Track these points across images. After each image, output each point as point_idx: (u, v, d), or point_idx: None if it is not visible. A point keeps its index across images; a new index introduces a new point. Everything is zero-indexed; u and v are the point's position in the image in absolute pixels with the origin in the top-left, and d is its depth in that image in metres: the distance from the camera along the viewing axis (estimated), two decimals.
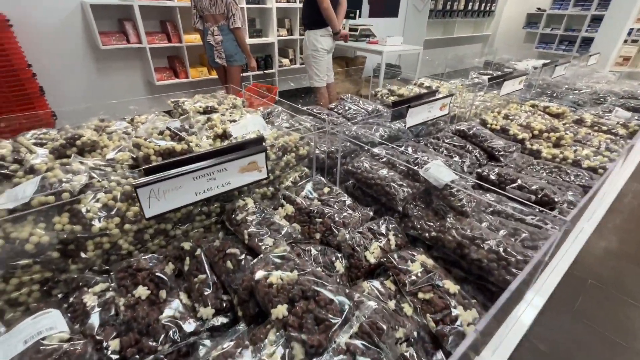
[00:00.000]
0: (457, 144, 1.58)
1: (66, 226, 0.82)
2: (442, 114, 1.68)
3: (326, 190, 1.14)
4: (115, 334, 0.70)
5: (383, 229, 1.01)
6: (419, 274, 0.83)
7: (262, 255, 0.83)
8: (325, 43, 3.67)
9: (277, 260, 0.79)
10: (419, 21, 7.28)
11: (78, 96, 3.89)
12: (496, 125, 1.82)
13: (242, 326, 0.72)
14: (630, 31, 6.03)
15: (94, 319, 0.72)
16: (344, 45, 5.50)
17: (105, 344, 0.68)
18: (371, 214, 1.09)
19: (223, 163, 0.92)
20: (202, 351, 0.70)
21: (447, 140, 1.62)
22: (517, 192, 1.22)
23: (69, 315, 0.73)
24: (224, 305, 0.80)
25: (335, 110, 2.15)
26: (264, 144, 1.04)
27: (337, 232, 0.97)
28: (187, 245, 0.92)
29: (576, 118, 2.02)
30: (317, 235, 0.98)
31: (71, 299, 0.77)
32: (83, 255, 0.86)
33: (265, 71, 5.29)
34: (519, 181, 1.24)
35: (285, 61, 5.51)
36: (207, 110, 1.41)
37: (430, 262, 0.88)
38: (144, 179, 0.80)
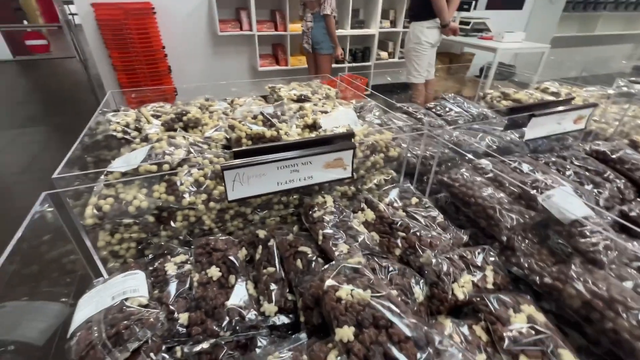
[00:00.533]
0: (591, 168, 1.25)
1: (162, 195, 0.89)
2: (576, 128, 1.34)
3: (414, 200, 1.01)
4: (186, 308, 0.73)
5: (479, 261, 0.83)
6: (524, 331, 0.65)
7: (334, 262, 0.76)
8: (430, 36, 3.37)
9: (350, 272, 0.71)
10: (549, 15, 6.18)
11: (196, 76, 4.43)
12: None
13: (303, 335, 0.67)
14: None
15: (172, 288, 0.76)
16: (451, 40, 5.02)
17: (176, 315, 0.70)
18: (465, 238, 0.92)
19: (309, 156, 0.87)
20: (259, 349, 0.67)
21: (577, 162, 1.28)
22: None
23: (152, 279, 0.78)
24: (288, 305, 0.76)
25: (434, 110, 1.94)
26: (353, 140, 0.96)
27: (421, 253, 0.84)
28: (261, 234, 0.91)
29: None
30: (397, 252, 0.87)
31: (156, 264, 0.82)
32: (172, 224, 0.92)
33: (362, 63, 5.19)
34: None
35: (384, 54, 5.31)
36: (301, 99, 1.40)
37: (541, 318, 0.69)
38: (231, 162, 0.80)
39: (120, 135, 1.19)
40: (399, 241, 0.87)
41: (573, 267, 0.78)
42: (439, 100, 2.08)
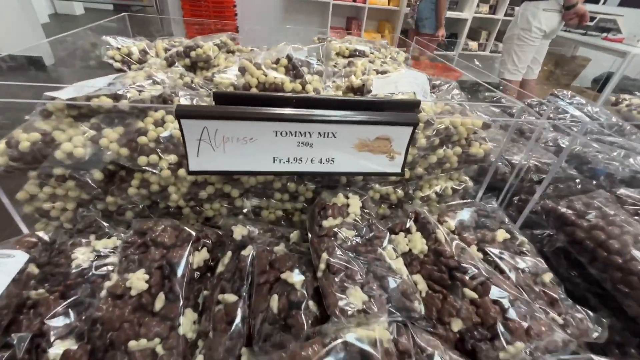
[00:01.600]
0: None
1: (112, 145, 0.60)
2: None
3: (500, 235, 0.58)
4: (67, 333, 0.43)
5: None
6: None
7: (329, 325, 0.40)
8: (545, 21, 2.63)
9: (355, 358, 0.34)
10: None
11: (263, 40, 4.22)
12: None
13: None
14: None
15: (66, 293, 0.47)
16: (565, 35, 4.08)
17: (44, 344, 0.41)
18: (598, 331, 0.48)
19: (332, 123, 0.50)
20: None
21: None
22: None
23: (48, 267, 0.50)
24: None
25: (537, 109, 1.41)
26: (419, 115, 0.56)
27: (503, 343, 0.43)
28: (238, 232, 0.58)
29: None
30: (457, 325, 0.47)
31: (65, 246, 0.54)
32: (125, 188, 0.63)
33: (445, 52, 4.53)
34: None
35: (473, 44, 4.55)
36: (354, 54, 1.01)
37: None
38: (195, 107, 0.47)
39: (118, 65, 0.94)
40: (463, 306, 0.47)
41: None
42: (548, 97, 1.53)
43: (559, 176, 0.82)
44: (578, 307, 0.50)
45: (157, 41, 1.06)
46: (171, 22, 3.42)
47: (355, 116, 0.51)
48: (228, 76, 0.79)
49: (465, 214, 0.62)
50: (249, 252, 0.54)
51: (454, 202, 0.71)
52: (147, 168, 0.62)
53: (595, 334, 0.48)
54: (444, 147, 0.69)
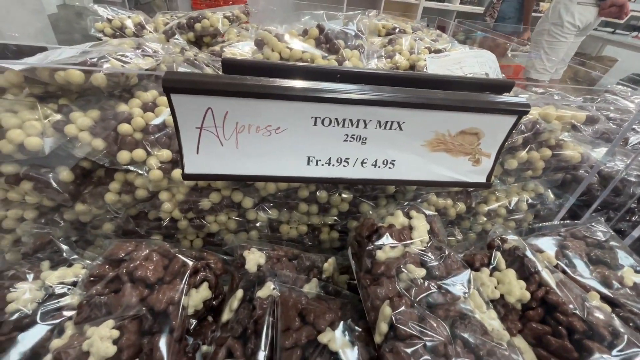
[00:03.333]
0: None
1: (83, 134, 0.43)
2: None
3: (629, 276, 0.40)
4: None
5: None
6: None
7: None
8: (579, 16, 2.40)
9: None
10: None
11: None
12: None
13: None
14: None
15: None
16: (592, 33, 3.83)
17: None
18: None
19: (397, 106, 0.33)
20: None
21: None
22: None
23: None
24: None
25: (583, 106, 1.21)
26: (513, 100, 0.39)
27: None
28: (251, 262, 0.41)
29: None
30: None
31: (9, 274, 0.37)
32: (102, 194, 0.47)
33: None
34: None
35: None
36: (392, 32, 0.83)
37: None
38: (194, 75, 0.30)
39: (108, 39, 0.77)
40: None
41: None
42: (601, 94, 1.34)
43: None
44: None
45: (157, 15, 0.89)
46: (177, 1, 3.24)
47: (437, 98, 0.33)
48: (241, 51, 0.62)
49: (568, 242, 0.45)
50: (267, 292, 0.37)
51: (545, 224, 0.53)
52: (130, 167, 0.45)
53: None
54: (531, 148, 0.51)
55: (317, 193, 0.52)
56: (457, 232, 0.61)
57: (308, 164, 0.37)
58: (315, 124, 0.34)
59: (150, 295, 0.35)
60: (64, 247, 0.42)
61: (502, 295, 0.38)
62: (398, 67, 0.63)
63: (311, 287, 0.39)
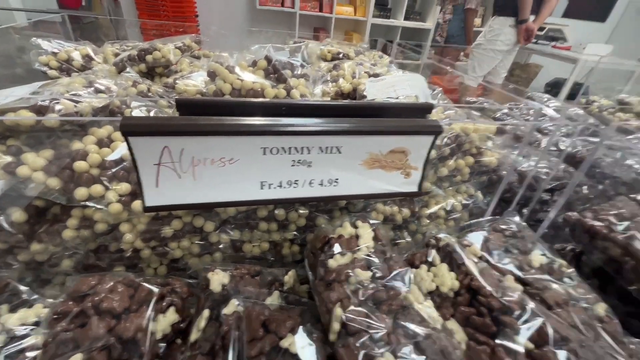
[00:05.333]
0: None
1: (37, 175, 0.44)
2: None
3: (536, 259, 0.49)
4: None
5: None
6: None
7: None
8: (504, 37, 2.78)
9: None
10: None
11: (231, 44, 4.07)
12: None
13: None
14: None
15: None
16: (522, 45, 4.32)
17: None
18: None
19: (335, 134, 0.39)
20: None
21: None
22: None
23: None
24: None
25: (509, 113, 1.39)
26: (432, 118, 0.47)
27: None
28: (215, 283, 0.44)
29: None
30: None
31: None
32: (59, 231, 0.47)
33: (411, 61, 4.62)
34: None
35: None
36: (337, 57, 0.91)
37: None
38: (149, 119, 0.34)
39: (54, 73, 0.76)
40: None
41: None
42: (525, 100, 1.53)
43: (564, 182, 0.76)
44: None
45: (105, 45, 0.89)
46: (126, 29, 3.15)
47: (367, 125, 0.40)
48: (194, 82, 0.66)
49: (490, 236, 0.53)
50: (232, 309, 0.40)
51: (473, 221, 0.62)
52: (88, 203, 0.47)
53: None
54: (456, 156, 0.60)
55: (275, 212, 0.56)
56: (406, 235, 0.68)
57: (262, 188, 0.41)
58: (264, 154, 0.38)
59: (117, 325, 0.36)
60: (23, 288, 0.42)
61: (437, 287, 0.45)
62: (342, 90, 0.70)
63: (273, 299, 0.43)
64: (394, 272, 0.42)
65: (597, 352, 0.37)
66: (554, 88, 4.84)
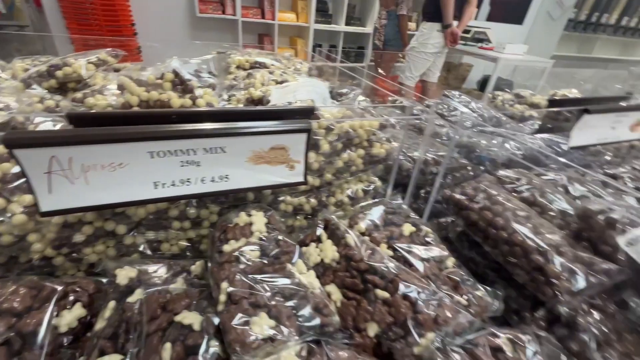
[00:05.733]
0: None
1: None
2: (633, 137, 0.97)
3: (407, 229, 0.60)
4: None
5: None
6: None
7: None
8: (434, 41, 3.06)
9: None
10: (550, 32, 6.03)
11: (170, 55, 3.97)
12: None
13: None
14: None
15: None
16: (454, 47, 4.73)
17: None
18: (495, 305, 0.52)
19: (216, 136, 0.46)
20: None
21: (633, 184, 0.92)
22: None
23: None
24: None
25: (435, 109, 1.56)
26: (317, 122, 0.56)
27: (416, 338, 0.43)
28: (122, 277, 0.48)
29: None
30: (372, 330, 0.45)
31: None
32: None
33: (355, 64, 4.84)
34: None
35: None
36: (255, 66, 0.99)
37: None
38: (23, 133, 0.38)
39: None
40: (377, 309, 0.46)
41: None
42: (442, 97, 1.72)
43: (454, 166, 0.90)
44: (478, 285, 0.54)
45: (14, 61, 0.88)
46: (55, 43, 2.99)
47: (244, 127, 0.47)
48: (105, 96, 0.69)
49: (375, 214, 0.63)
50: (137, 297, 0.45)
51: (364, 204, 0.72)
52: None
53: (494, 307, 0.51)
54: (348, 150, 0.70)
55: (187, 210, 0.62)
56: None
57: (156, 187, 0.47)
58: (152, 157, 0.44)
59: (18, 322, 0.40)
60: None
61: (322, 260, 0.53)
62: (252, 97, 0.78)
63: (177, 285, 0.49)
64: (281, 249, 0.50)
65: (436, 294, 0.48)
66: (483, 84, 5.32)
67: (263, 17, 3.96)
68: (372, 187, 0.79)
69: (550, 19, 6.00)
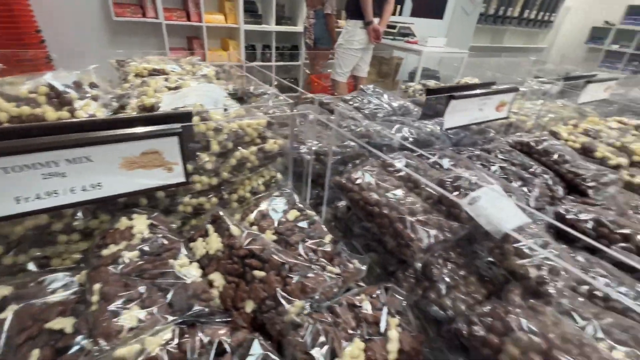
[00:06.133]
0: (517, 162, 1.05)
1: None
2: (499, 116, 1.15)
3: (292, 214, 0.67)
4: None
5: (381, 312, 0.52)
6: None
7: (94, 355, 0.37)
8: (358, 37, 3.22)
9: None
10: (466, 25, 6.63)
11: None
12: (575, 142, 1.26)
13: None
14: None
15: None
16: (380, 43, 5.01)
17: None
18: (364, 270, 0.60)
19: (78, 147, 0.48)
20: None
21: (502, 156, 1.09)
22: (637, 257, 0.68)
23: None
24: None
25: (351, 102, 1.67)
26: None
27: (285, 307, 0.49)
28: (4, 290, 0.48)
29: None
30: (249, 307, 0.51)
31: None
32: None
33: (291, 62, 4.90)
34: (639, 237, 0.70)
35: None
36: (153, 73, 0.99)
37: None
38: None
39: None
40: (253, 288, 0.52)
41: (512, 313, 0.50)
42: (359, 91, 1.84)
43: (352, 154, 0.99)
44: (350, 257, 0.62)
45: None
46: None
47: (106, 136, 0.49)
48: None
49: (265, 205, 0.69)
50: (6, 314, 0.46)
51: (258, 196, 0.77)
52: None
53: (363, 271, 0.60)
54: (240, 149, 0.74)
55: (73, 223, 0.62)
56: None
57: (18, 202, 0.47)
58: (7, 172, 0.45)
59: None
60: None
61: (207, 252, 0.57)
62: (145, 105, 0.78)
63: (56, 297, 0.50)
64: (165, 247, 0.53)
65: (306, 268, 0.55)
66: (413, 76, 5.70)
67: (189, 20, 3.83)
68: (274, 181, 0.85)
69: (464, 13, 6.59)
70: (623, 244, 0.71)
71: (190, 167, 0.67)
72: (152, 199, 0.68)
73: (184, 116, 0.60)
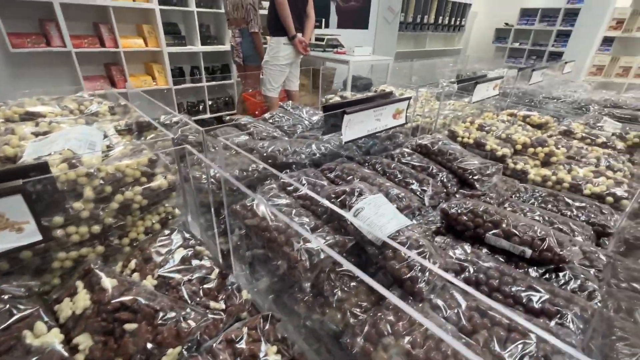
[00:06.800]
0: (417, 164, 1.14)
1: None
2: (398, 123, 1.24)
3: (178, 254, 0.64)
4: None
5: (260, 342, 0.52)
6: None
7: None
8: (287, 52, 3.27)
9: None
10: (389, 33, 7.12)
11: None
12: (468, 138, 1.40)
13: None
14: (604, 40, 5.86)
15: None
16: (311, 55, 5.16)
17: None
18: (249, 300, 0.60)
19: None
20: None
21: (404, 160, 1.17)
22: (504, 242, 0.77)
23: None
24: None
25: (270, 120, 1.69)
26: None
27: (155, 356, 0.47)
28: None
29: (563, 129, 1.65)
30: None
31: None
32: None
33: (224, 82, 4.83)
34: (504, 224, 0.79)
35: None
36: (26, 118, 0.90)
37: None
38: None
39: None
40: (123, 344, 0.49)
41: (382, 322, 0.53)
42: (278, 109, 1.87)
43: (261, 176, 1.00)
44: (239, 289, 0.61)
45: None
46: None
47: None
48: None
49: (150, 248, 0.66)
50: None
51: (146, 238, 0.74)
52: None
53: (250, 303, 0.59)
54: (121, 192, 0.71)
55: None
56: None
57: None
58: None
59: None
60: None
61: (73, 312, 0.53)
62: (7, 156, 0.71)
63: None
64: (15, 319, 0.48)
65: (183, 309, 0.53)
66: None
67: (103, 46, 3.60)
68: (172, 218, 0.82)
69: (386, 22, 7.08)
70: (495, 231, 0.80)
71: (59, 219, 0.62)
72: (15, 262, 0.61)
73: (37, 167, 0.55)
